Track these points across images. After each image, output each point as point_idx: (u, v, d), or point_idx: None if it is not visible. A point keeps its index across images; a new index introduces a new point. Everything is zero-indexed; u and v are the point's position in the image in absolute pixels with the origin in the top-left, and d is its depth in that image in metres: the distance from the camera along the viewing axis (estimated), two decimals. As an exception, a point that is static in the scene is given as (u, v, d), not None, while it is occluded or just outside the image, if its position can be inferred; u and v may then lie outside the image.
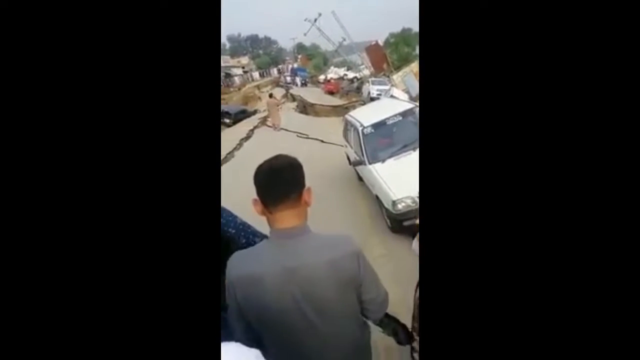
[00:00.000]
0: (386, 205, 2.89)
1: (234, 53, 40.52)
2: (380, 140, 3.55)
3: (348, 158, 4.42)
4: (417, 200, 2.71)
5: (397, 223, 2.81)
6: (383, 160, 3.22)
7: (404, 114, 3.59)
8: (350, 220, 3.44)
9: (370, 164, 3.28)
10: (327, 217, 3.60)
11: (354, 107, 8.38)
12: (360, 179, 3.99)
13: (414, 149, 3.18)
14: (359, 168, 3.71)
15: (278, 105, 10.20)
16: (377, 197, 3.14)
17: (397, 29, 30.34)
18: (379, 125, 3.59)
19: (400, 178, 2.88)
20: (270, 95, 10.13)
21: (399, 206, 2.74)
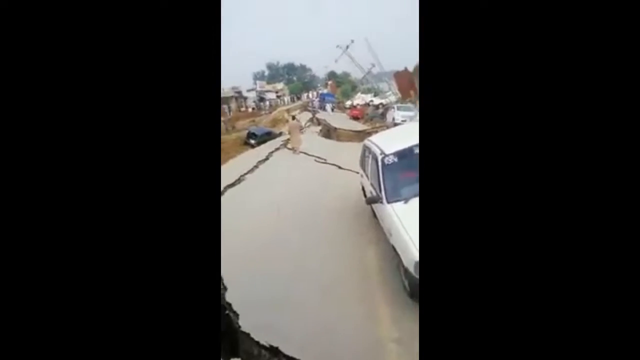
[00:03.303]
0: (406, 264, 2.09)
1: (271, 79, 42.84)
2: (403, 173, 2.80)
3: (363, 190, 3.69)
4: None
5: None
6: (406, 200, 2.45)
7: (436, 141, 2.84)
8: (355, 277, 2.64)
9: (389, 202, 2.53)
10: (327, 268, 2.86)
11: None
12: (375, 216, 3.22)
13: (448, 188, 2.39)
14: (375, 205, 2.96)
15: (300, 128, 9.88)
16: (394, 248, 2.34)
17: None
18: (403, 154, 2.85)
19: (428, 228, 2.09)
20: (293, 118, 9.87)
21: (425, 269, 1.93)
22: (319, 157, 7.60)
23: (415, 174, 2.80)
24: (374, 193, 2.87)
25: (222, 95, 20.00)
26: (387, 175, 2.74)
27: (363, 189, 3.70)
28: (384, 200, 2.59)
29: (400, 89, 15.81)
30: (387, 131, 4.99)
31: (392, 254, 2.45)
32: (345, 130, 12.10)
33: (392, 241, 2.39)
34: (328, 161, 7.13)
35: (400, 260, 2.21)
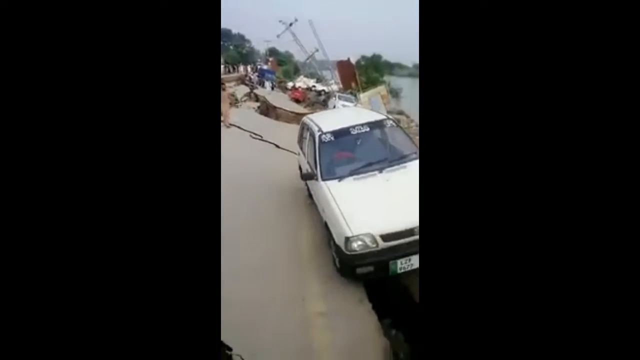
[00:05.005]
0: (337, 241, 2.11)
1: (202, 43, 37.60)
2: (339, 153, 2.81)
3: (300, 169, 3.62)
4: (378, 239, 1.98)
5: (348, 268, 2.04)
6: (340, 178, 2.47)
7: (373, 125, 2.94)
8: (287, 253, 2.58)
9: (323, 179, 2.51)
10: (259, 245, 2.73)
11: (317, 116, 7.76)
12: (310, 196, 3.19)
13: (379, 170, 2.49)
14: (311, 183, 2.91)
15: (231, 101, 9.09)
16: (326, 225, 2.35)
17: (369, 53, 31.62)
18: (341, 134, 2.86)
19: (359, 206, 2.14)
20: (223, 88, 8.98)
21: (354, 245, 1.98)
22: (255, 134, 7.17)
23: (350, 155, 2.87)
24: (310, 170, 2.81)
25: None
26: (323, 153, 2.71)
27: (300, 167, 3.62)
28: (319, 178, 2.56)
29: (342, 79, 16.04)
30: (327, 111, 4.98)
31: (325, 231, 2.46)
32: (285, 110, 11.72)
33: (325, 217, 2.39)
34: (265, 138, 6.78)
35: (331, 236, 2.23)
